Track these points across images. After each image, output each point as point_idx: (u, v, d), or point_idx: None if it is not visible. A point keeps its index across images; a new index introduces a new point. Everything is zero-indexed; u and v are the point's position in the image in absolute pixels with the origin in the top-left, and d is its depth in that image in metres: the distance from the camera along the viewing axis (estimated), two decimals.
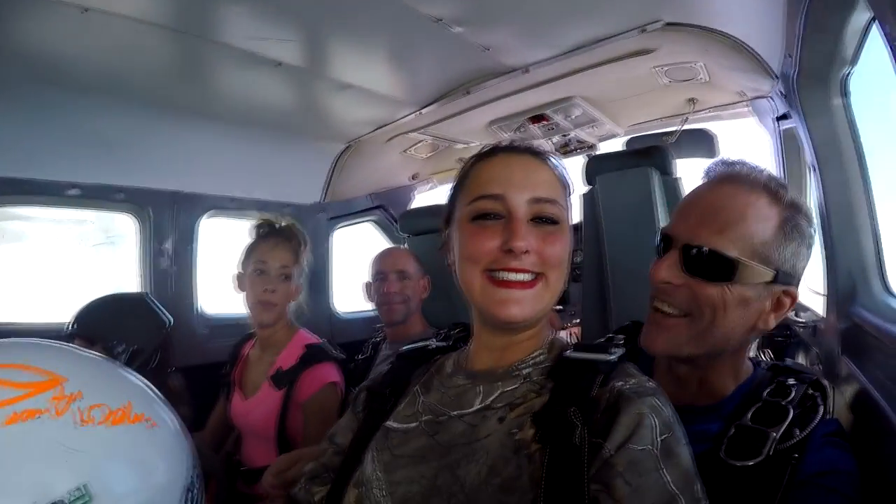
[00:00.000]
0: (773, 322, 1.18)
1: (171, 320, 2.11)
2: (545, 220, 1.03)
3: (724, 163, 1.24)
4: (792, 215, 1.14)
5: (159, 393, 1.14)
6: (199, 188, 3.08)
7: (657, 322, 1.21)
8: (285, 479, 1.38)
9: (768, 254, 1.12)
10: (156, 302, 2.15)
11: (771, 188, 1.16)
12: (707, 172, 1.25)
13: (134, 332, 1.94)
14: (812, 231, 1.18)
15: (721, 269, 1.12)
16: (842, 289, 1.46)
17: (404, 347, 1.32)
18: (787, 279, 1.14)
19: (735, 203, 1.14)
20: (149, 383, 1.14)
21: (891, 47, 0.91)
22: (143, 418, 1.00)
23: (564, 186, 1.10)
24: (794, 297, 1.17)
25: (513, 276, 1.00)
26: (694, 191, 1.25)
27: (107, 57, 2.07)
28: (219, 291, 2.98)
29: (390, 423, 1.11)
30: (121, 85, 2.31)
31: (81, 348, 1.13)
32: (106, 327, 1.91)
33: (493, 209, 1.03)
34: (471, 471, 0.94)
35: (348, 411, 1.27)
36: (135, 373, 1.16)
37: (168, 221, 2.98)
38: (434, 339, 1.32)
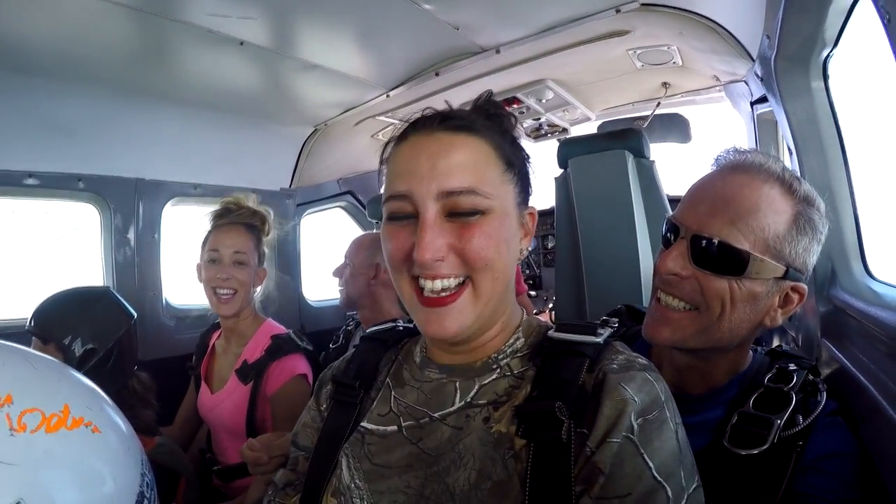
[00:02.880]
0: (780, 319, 1.14)
1: (135, 316, 2.03)
2: (464, 213, 0.90)
3: (737, 151, 1.19)
4: (805, 209, 1.10)
5: (105, 395, 1.06)
6: (163, 175, 2.97)
7: (662, 314, 1.16)
8: (272, 447, 1.32)
9: (780, 248, 1.07)
10: (119, 297, 2.05)
11: (785, 180, 1.11)
12: (717, 160, 1.20)
13: (91, 328, 1.85)
14: (824, 226, 1.13)
15: (732, 262, 1.07)
16: (821, 272, 1.45)
17: (369, 329, 1.23)
18: (796, 275, 1.10)
19: (748, 193, 1.08)
20: (93, 384, 1.06)
21: (883, 20, 0.87)
22: (82, 423, 0.91)
23: (496, 157, 0.95)
24: (802, 294, 1.13)
25: (430, 285, 0.90)
26: (704, 178, 1.19)
27: (62, 39, 1.98)
28: (185, 281, 2.89)
29: (365, 425, 1.03)
30: (78, 68, 2.21)
31: (13, 345, 1.02)
32: (61, 324, 1.82)
33: (402, 210, 0.92)
34: (459, 478, 0.88)
35: (310, 406, 1.18)
36: (77, 373, 1.08)
37: (131, 210, 2.86)
38: (401, 321, 1.23)
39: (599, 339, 0.93)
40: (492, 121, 0.99)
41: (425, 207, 0.89)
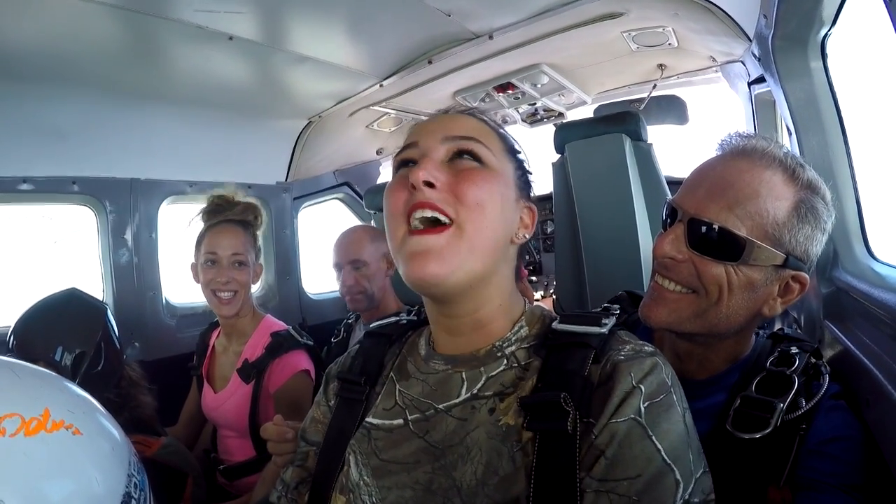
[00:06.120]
0: (779, 308, 1.13)
1: (107, 305, 2.03)
2: (465, 156, 0.95)
3: (740, 136, 1.16)
4: (808, 197, 1.08)
5: (92, 399, 1.08)
6: (158, 174, 2.96)
7: (659, 294, 1.15)
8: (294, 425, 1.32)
9: (780, 235, 1.06)
10: (85, 293, 2.03)
11: (788, 165, 1.08)
12: (721, 145, 1.18)
13: (72, 334, 1.83)
14: (829, 215, 1.11)
15: (728, 247, 1.06)
16: (823, 253, 1.44)
17: (373, 325, 1.23)
18: (797, 264, 1.08)
19: (748, 179, 1.07)
20: (79, 390, 1.08)
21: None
22: (62, 426, 0.94)
23: (498, 137, 1.02)
24: (803, 283, 1.11)
25: (419, 214, 0.90)
26: (705, 162, 1.17)
27: (51, 42, 1.96)
28: (185, 279, 2.89)
29: (371, 420, 1.03)
30: (68, 71, 2.20)
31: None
32: (42, 340, 1.79)
33: (409, 157, 0.98)
34: (466, 472, 0.88)
35: (318, 402, 1.18)
36: (65, 380, 1.10)
37: (127, 210, 2.86)
38: (404, 314, 1.22)
39: (604, 330, 0.93)
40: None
41: (430, 148, 0.95)
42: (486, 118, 1.05)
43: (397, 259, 0.95)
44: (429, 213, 0.90)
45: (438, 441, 0.94)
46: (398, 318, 1.21)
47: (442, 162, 0.94)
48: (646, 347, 0.91)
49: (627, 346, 0.91)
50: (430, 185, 0.90)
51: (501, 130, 1.05)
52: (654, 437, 0.80)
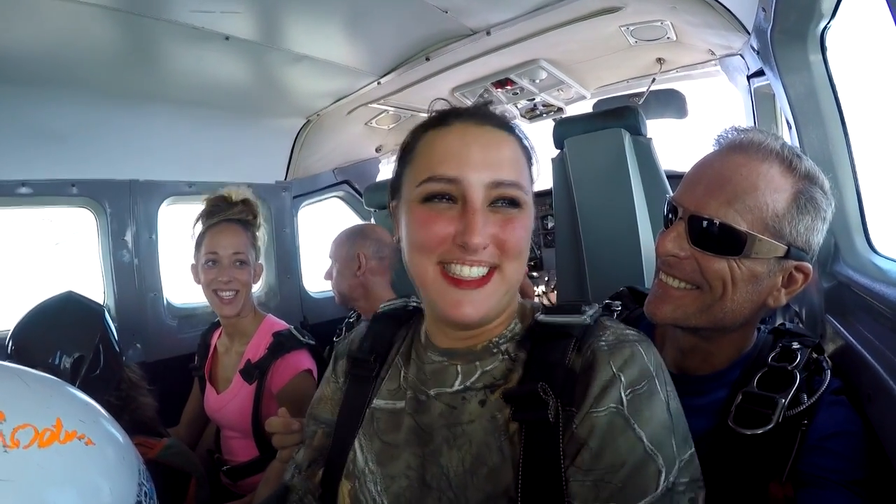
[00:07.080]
0: (784, 299, 1.13)
1: (104, 307, 2.02)
2: (506, 203, 0.93)
3: (736, 130, 1.17)
4: (807, 187, 1.07)
5: (99, 407, 1.07)
6: (157, 175, 2.96)
7: (664, 291, 1.16)
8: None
9: (780, 227, 1.06)
10: (81, 295, 2.03)
11: (784, 157, 1.08)
12: (718, 140, 1.18)
13: (70, 338, 1.82)
14: (829, 204, 1.11)
15: (729, 242, 1.06)
16: (824, 247, 1.44)
17: (381, 306, 1.24)
18: (799, 254, 1.08)
19: (746, 173, 1.07)
20: (86, 397, 1.06)
21: None
22: (75, 436, 0.92)
23: (528, 159, 1.01)
24: (807, 273, 1.11)
25: (466, 272, 0.91)
26: (703, 159, 1.17)
27: (48, 46, 1.97)
28: (186, 279, 2.90)
29: (377, 403, 1.06)
30: (66, 74, 2.20)
31: (5, 364, 1.04)
32: (40, 345, 1.78)
33: (446, 191, 0.92)
34: (453, 459, 0.91)
35: (328, 378, 1.20)
36: (71, 387, 1.08)
37: (126, 212, 2.85)
38: (411, 300, 1.24)
39: (585, 319, 0.95)
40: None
41: (476, 194, 0.91)
42: (519, 133, 1.02)
43: (429, 294, 0.96)
44: (476, 272, 0.91)
45: (427, 424, 0.97)
46: (406, 302, 1.22)
47: (486, 207, 0.92)
48: (629, 334, 0.93)
49: (608, 333, 0.92)
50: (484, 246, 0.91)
51: (525, 142, 1.03)
52: (636, 427, 0.82)
